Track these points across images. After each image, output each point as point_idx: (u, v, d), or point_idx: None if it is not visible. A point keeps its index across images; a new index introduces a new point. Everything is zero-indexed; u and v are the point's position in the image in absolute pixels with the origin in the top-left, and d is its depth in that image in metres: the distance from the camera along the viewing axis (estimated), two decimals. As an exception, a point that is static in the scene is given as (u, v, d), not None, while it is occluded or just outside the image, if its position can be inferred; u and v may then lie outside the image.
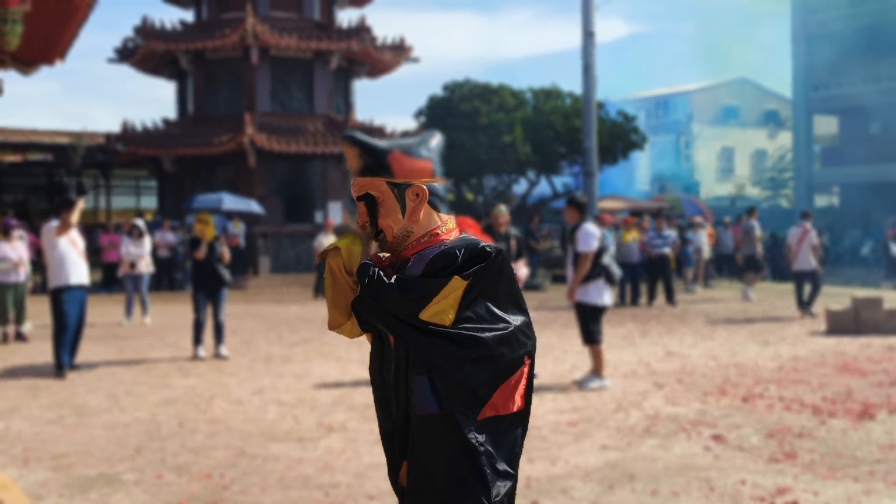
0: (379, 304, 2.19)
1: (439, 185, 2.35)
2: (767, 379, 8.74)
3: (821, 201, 43.35)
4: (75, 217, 9.43)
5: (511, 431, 2.23)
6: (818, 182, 39.81)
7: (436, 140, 2.38)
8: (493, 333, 2.18)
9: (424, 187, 2.29)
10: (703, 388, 8.32)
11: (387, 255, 2.36)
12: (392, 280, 2.20)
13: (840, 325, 12.29)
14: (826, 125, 43.20)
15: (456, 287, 2.18)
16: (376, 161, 2.28)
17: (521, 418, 2.27)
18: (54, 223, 9.56)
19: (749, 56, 78.68)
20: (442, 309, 2.17)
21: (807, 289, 14.49)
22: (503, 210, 9.34)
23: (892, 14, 35.20)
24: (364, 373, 9.39)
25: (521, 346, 2.25)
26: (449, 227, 2.34)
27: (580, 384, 8.38)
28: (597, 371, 8.50)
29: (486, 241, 2.30)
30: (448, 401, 2.15)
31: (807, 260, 14.36)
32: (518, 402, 2.25)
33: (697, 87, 54.91)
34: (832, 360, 9.90)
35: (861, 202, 35.92)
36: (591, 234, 8.46)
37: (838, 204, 41.88)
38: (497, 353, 2.18)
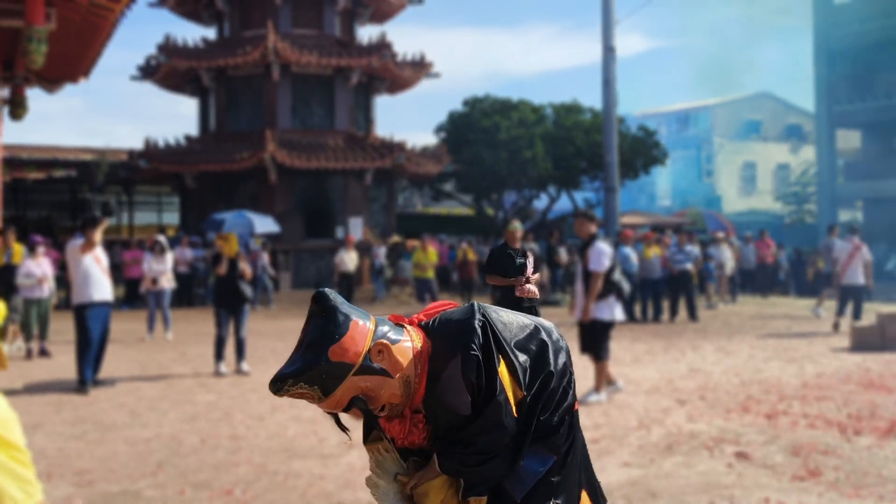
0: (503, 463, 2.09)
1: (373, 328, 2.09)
2: (791, 395, 8.65)
3: (844, 216, 42.99)
4: (99, 235, 9.53)
5: None
6: (841, 196, 39.50)
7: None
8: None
9: (381, 340, 2.04)
10: (726, 404, 8.25)
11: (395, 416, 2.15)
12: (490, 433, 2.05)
13: (865, 341, 12.16)
14: (849, 139, 42.92)
15: (503, 374, 2.07)
16: (328, 371, 2.00)
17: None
18: (79, 240, 9.65)
19: (771, 70, 78.38)
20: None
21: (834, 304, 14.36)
22: (517, 226, 9.40)
23: (915, 27, 34.96)
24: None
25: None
26: (418, 337, 2.12)
27: (587, 402, 8.36)
28: (598, 387, 8.61)
29: (455, 309, 2.17)
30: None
31: (857, 275, 14.32)
32: None
33: (718, 102, 54.69)
34: (857, 376, 9.79)
35: (885, 217, 35.57)
36: (604, 253, 8.58)
37: (862, 218, 41.53)
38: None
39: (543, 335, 2.16)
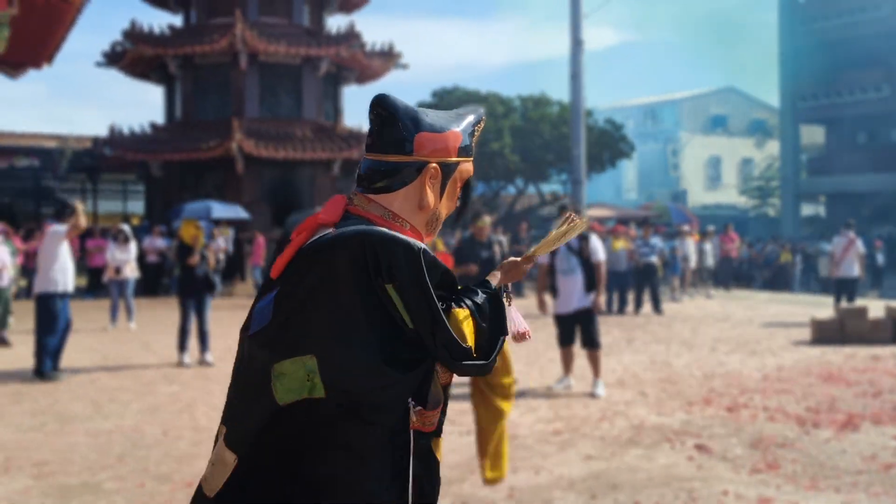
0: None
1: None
2: (752, 389, 8.76)
3: (807, 210, 43.57)
4: (83, 220, 9.53)
5: None
6: (805, 191, 40.03)
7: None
8: None
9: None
10: (689, 397, 8.34)
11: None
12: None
13: (825, 334, 12.34)
14: (813, 135, 43.47)
15: None
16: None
17: None
18: (61, 228, 9.59)
19: (737, 65, 79.05)
20: None
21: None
22: (487, 221, 9.47)
23: (877, 26, 35.45)
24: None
25: None
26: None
27: (595, 394, 8.46)
28: (599, 374, 8.72)
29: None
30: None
31: (851, 267, 14.95)
32: None
33: (685, 96, 55.12)
34: (817, 370, 9.93)
35: (847, 211, 36.14)
36: (600, 244, 9.04)
37: (824, 213, 42.10)
38: None
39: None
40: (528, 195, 34.73)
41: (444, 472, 5.75)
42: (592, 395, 8.45)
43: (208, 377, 9.63)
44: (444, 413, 2.16)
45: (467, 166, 2.18)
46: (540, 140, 30.44)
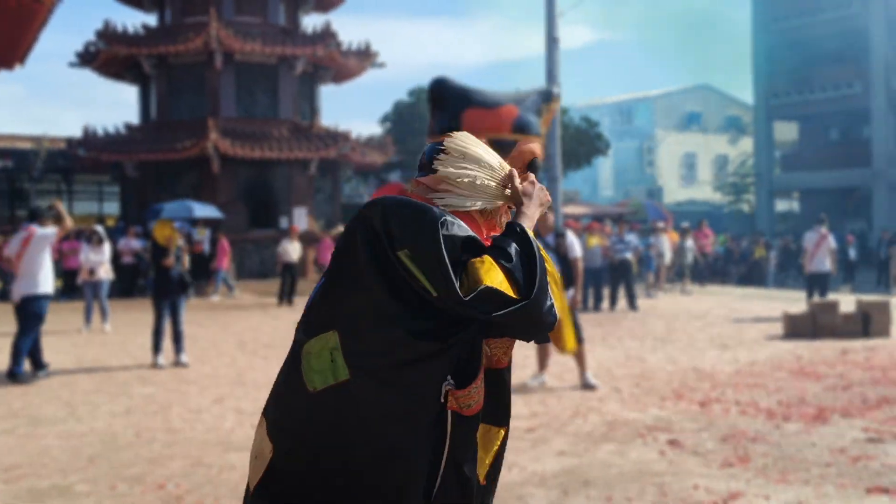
0: None
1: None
2: (724, 383, 8.85)
3: (781, 206, 43.93)
4: (70, 221, 9.63)
5: None
6: (779, 187, 40.35)
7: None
8: None
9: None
10: (661, 392, 8.41)
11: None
12: None
13: (797, 329, 12.47)
14: (787, 131, 43.83)
15: None
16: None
17: None
18: (50, 231, 9.56)
19: (711, 63, 79.54)
20: None
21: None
22: None
23: (848, 23, 35.81)
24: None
25: None
26: None
27: (590, 385, 8.57)
28: (586, 367, 8.81)
29: None
30: None
31: (823, 262, 15.24)
32: None
33: (660, 94, 55.42)
34: (789, 364, 10.04)
35: (821, 207, 36.48)
36: (577, 240, 9.24)
37: (798, 209, 42.48)
38: None
39: None
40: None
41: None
42: (588, 387, 8.56)
43: (183, 378, 9.60)
44: (498, 400, 2.03)
45: (530, 145, 2.10)
46: (516, 138, 30.57)
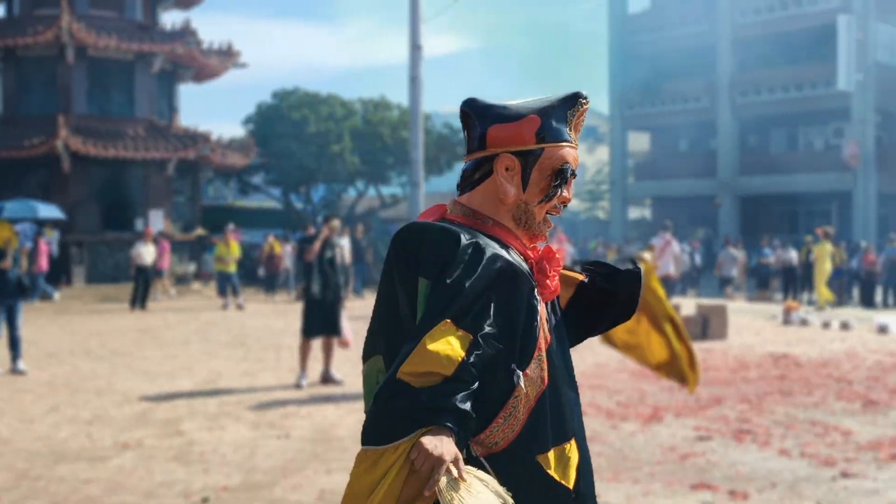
0: None
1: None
2: (570, 386, 9.22)
3: (634, 213, 45.76)
4: None
5: None
6: (632, 195, 42.01)
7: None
8: None
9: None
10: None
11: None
12: None
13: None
14: (640, 141, 45.70)
15: None
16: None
17: None
18: None
19: (571, 74, 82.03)
20: None
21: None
22: (336, 225, 10.01)
23: (698, 40, 37.70)
24: (170, 386, 9.24)
25: None
26: None
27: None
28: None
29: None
30: None
31: (667, 266, 15.88)
32: None
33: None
34: (631, 365, 10.54)
35: (671, 213, 38.23)
36: None
37: (650, 215, 44.35)
38: None
39: None
40: (369, 197, 34.91)
41: (256, 477, 5.81)
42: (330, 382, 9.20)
43: (19, 387, 9.24)
44: (532, 434, 1.99)
45: (559, 152, 2.03)
46: (380, 143, 30.67)
